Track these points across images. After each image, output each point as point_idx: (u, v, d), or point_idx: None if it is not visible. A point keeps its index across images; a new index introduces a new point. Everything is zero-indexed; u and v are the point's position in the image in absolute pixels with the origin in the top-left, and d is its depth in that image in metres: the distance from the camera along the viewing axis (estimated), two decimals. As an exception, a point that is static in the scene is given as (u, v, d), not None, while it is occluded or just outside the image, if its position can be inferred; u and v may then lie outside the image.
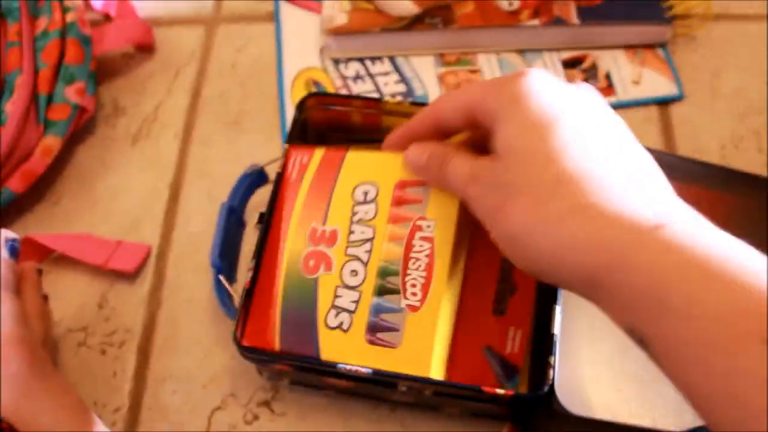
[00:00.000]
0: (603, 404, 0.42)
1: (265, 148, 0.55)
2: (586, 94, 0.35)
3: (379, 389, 0.42)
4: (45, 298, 0.47)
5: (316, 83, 0.56)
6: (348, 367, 0.39)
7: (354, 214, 0.42)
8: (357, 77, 0.56)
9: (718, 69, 0.57)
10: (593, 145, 0.33)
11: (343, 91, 0.55)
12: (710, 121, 0.55)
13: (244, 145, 0.55)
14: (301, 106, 0.47)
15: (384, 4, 0.56)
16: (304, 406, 0.46)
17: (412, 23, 0.56)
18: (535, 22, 0.55)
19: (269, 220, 0.44)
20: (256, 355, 0.41)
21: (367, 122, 0.48)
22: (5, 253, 0.44)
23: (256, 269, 0.42)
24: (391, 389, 0.41)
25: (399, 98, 0.55)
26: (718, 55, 0.58)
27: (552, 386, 0.38)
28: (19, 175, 0.52)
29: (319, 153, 0.44)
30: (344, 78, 0.56)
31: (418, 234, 0.41)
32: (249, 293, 0.42)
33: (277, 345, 0.41)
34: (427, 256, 0.41)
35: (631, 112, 0.55)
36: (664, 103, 0.56)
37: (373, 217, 0.42)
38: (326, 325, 0.41)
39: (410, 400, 0.44)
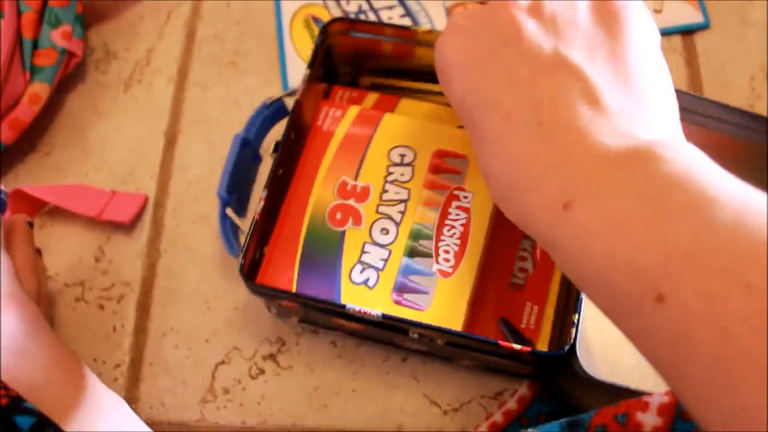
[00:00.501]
0: (627, 370, 0.40)
1: (265, 90, 0.52)
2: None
3: (389, 334, 0.40)
4: (38, 252, 0.45)
5: (316, 20, 0.53)
6: (357, 308, 0.37)
7: (389, 173, 0.42)
8: (359, 12, 0.52)
9: (746, -5, 0.53)
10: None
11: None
12: (739, 51, 0.52)
13: (242, 88, 0.52)
14: (325, 31, 0.44)
15: None
16: (312, 359, 0.44)
17: None
18: None
19: (290, 163, 0.42)
20: (266, 290, 0.39)
21: (398, 52, 0.46)
22: (-9, 205, 0.42)
23: (269, 202, 0.41)
24: (403, 335, 0.39)
25: (429, 26, 0.51)
26: (746, -21, 0.54)
27: (573, 346, 0.36)
28: (6, 124, 0.49)
29: (354, 110, 0.44)
30: (346, 14, 0.52)
31: (455, 203, 0.41)
32: (260, 226, 0.40)
33: (293, 288, 0.40)
34: (462, 225, 0.40)
35: (653, 42, 0.52)
36: (688, 32, 0.52)
37: (409, 180, 0.42)
38: (350, 279, 0.40)
39: (422, 348, 0.42)
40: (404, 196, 0.41)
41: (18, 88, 0.50)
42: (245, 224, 0.41)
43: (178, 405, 0.44)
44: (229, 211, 0.43)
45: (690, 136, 0.29)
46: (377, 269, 0.40)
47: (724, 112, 0.44)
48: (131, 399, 0.45)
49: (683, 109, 0.39)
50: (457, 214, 0.41)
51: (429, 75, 0.45)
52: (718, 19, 0.53)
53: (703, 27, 0.52)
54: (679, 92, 0.32)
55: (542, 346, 0.40)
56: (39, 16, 0.51)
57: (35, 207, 0.49)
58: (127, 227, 0.49)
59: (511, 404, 0.41)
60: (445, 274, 0.39)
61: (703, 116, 0.45)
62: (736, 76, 0.51)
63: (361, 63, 0.47)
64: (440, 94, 0.46)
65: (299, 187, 0.42)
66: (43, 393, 0.36)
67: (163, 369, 0.45)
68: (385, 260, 0.40)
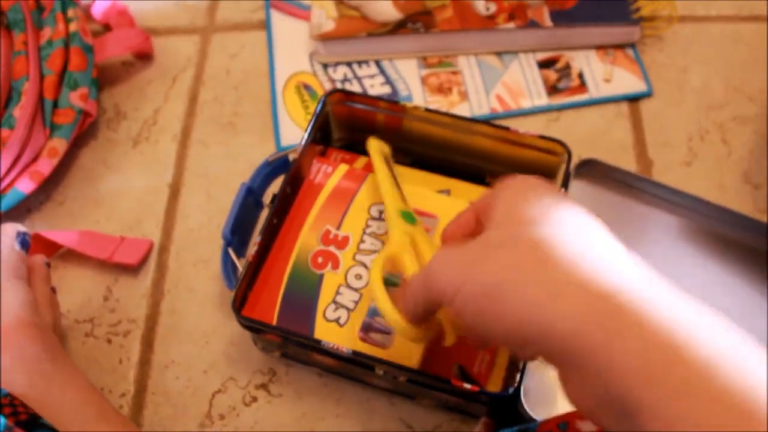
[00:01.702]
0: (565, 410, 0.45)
1: (259, 148, 0.58)
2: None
3: (359, 371, 0.46)
4: (53, 290, 0.50)
5: (306, 86, 0.60)
6: (331, 344, 0.42)
7: (368, 226, 0.48)
8: (345, 80, 0.59)
9: (684, 66, 0.61)
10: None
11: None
12: (678, 115, 0.59)
13: (239, 146, 0.58)
14: (324, 101, 0.51)
15: (369, 11, 0.60)
16: (300, 388, 0.49)
17: (396, 28, 0.59)
18: (511, 25, 0.59)
19: (284, 212, 0.48)
20: (251, 322, 0.45)
21: (389, 123, 0.52)
22: (17, 246, 0.47)
23: (262, 246, 0.46)
24: (370, 372, 0.44)
25: (417, 103, 0.58)
26: (684, 53, 0.62)
27: (518, 389, 0.41)
28: (27, 176, 0.55)
29: (343, 168, 0.51)
30: (333, 81, 0.59)
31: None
32: (252, 267, 0.46)
33: (274, 322, 0.45)
34: None
35: (603, 108, 0.59)
36: (634, 99, 0.59)
37: (384, 233, 0.48)
38: (324, 316, 0.45)
39: (388, 386, 0.47)
40: (378, 247, 0.47)
41: (39, 143, 0.56)
42: (242, 263, 0.47)
43: (178, 430, 0.49)
44: (231, 251, 0.49)
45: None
46: (348, 309, 0.45)
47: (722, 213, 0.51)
48: (136, 425, 0.49)
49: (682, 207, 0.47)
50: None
51: (415, 143, 0.52)
52: (660, 88, 0.60)
53: (647, 95, 0.59)
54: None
55: (493, 389, 0.44)
56: (59, 79, 0.57)
57: (51, 249, 0.54)
58: (134, 269, 0.54)
59: (478, 427, 0.47)
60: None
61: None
62: (675, 136, 0.58)
63: (355, 129, 0.54)
64: (422, 161, 0.53)
65: (289, 232, 0.48)
66: (60, 411, 0.41)
67: (164, 398, 0.50)
68: (356, 302, 0.46)
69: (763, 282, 0.49)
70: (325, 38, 0.59)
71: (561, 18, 0.59)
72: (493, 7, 0.59)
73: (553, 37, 0.59)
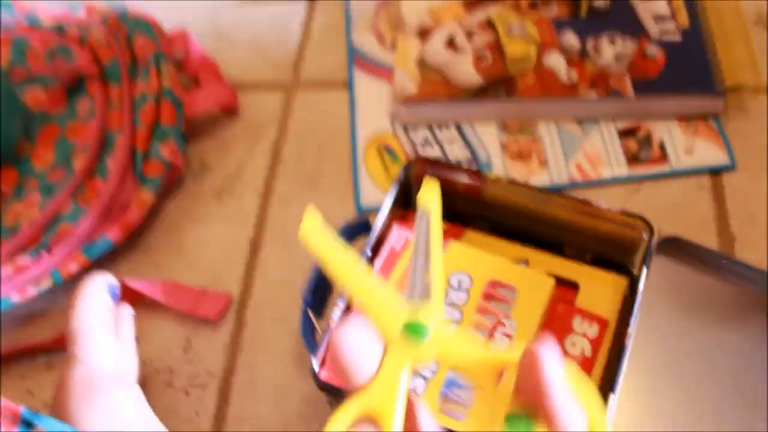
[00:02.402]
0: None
1: (339, 208, 0.59)
2: None
3: None
4: (136, 340, 0.52)
5: (387, 148, 0.61)
6: None
7: (447, 295, 0.48)
8: (425, 143, 0.60)
9: (770, 139, 0.60)
10: None
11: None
12: (762, 189, 0.58)
13: (319, 205, 0.59)
14: (407, 168, 0.52)
15: (451, 76, 0.61)
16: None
17: (478, 93, 0.60)
18: (593, 93, 0.59)
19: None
20: (330, 387, 0.45)
21: (469, 190, 0.53)
22: (107, 298, 0.49)
23: (346, 313, 0.47)
24: None
25: (498, 173, 0.59)
26: (766, 123, 0.60)
27: None
28: (117, 226, 0.57)
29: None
30: (413, 143, 0.60)
31: (500, 328, 0.47)
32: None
33: None
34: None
35: (684, 180, 0.58)
36: (716, 172, 0.59)
37: (464, 304, 0.48)
38: None
39: None
40: (457, 317, 0.47)
41: (129, 194, 0.58)
42: (321, 325, 0.48)
43: (250, 486, 0.50)
44: (310, 312, 0.50)
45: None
46: (426, 379, 0.46)
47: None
48: (209, 478, 0.50)
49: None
50: (501, 339, 0.46)
51: (495, 210, 0.53)
52: (743, 161, 0.59)
53: (730, 168, 0.58)
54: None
55: None
56: (150, 131, 0.60)
57: (135, 299, 0.56)
58: (213, 322, 0.55)
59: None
60: (483, 390, 0.45)
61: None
62: (758, 211, 0.57)
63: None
64: (500, 229, 0.53)
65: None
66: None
67: (238, 452, 0.51)
68: (435, 372, 0.46)
69: None
70: (407, 101, 0.60)
71: (643, 88, 0.59)
72: (575, 75, 0.59)
73: (634, 107, 0.59)
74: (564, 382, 0.28)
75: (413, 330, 0.30)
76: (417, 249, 0.33)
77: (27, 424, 0.39)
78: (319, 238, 0.32)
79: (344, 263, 0.32)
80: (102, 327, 0.47)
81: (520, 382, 0.28)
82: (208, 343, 0.55)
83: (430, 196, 0.35)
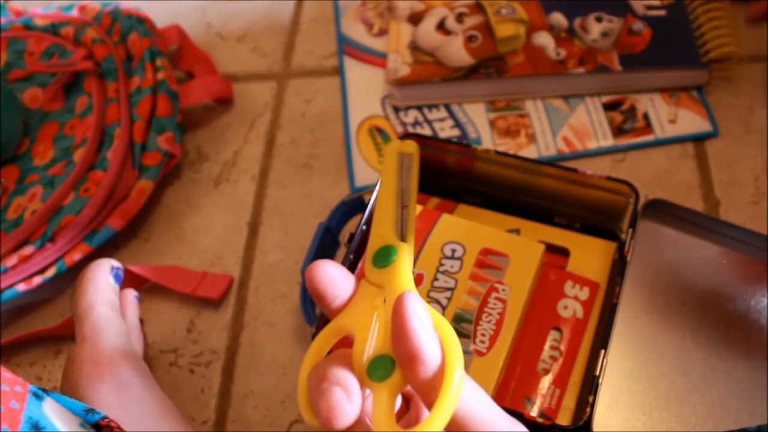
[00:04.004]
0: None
1: (334, 188, 0.61)
2: None
3: None
4: (141, 322, 0.53)
5: (379, 129, 0.62)
6: None
7: (440, 265, 0.50)
8: (416, 123, 0.62)
9: (750, 106, 0.61)
10: None
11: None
12: (744, 154, 0.59)
13: (314, 186, 0.61)
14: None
15: (443, 57, 0.63)
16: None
17: (469, 73, 0.62)
18: (581, 69, 0.61)
19: (360, 248, 0.51)
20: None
21: (460, 165, 0.55)
22: (112, 280, 0.50)
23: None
24: None
25: (487, 146, 0.60)
26: (750, 93, 0.62)
27: (589, 422, 0.42)
28: (118, 214, 0.58)
29: (417, 208, 0.51)
30: (404, 124, 0.62)
31: (494, 294, 0.48)
32: None
33: None
34: (498, 313, 0.48)
35: (669, 148, 0.60)
36: (699, 139, 0.60)
37: (457, 272, 0.49)
38: None
39: None
40: (451, 285, 0.49)
41: (128, 183, 0.59)
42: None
43: (257, 458, 0.51)
44: (309, 289, 0.51)
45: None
46: None
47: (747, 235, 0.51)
48: (217, 452, 0.51)
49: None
50: (495, 304, 0.48)
51: (485, 184, 0.54)
52: (726, 128, 0.60)
53: (713, 135, 0.60)
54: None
55: (563, 422, 0.45)
56: (147, 123, 0.61)
57: (139, 283, 0.57)
58: (215, 303, 0.57)
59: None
60: (480, 354, 0.46)
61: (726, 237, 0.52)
62: (742, 175, 0.58)
63: (427, 171, 0.56)
64: (492, 202, 0.54)
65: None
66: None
67: (244, 426, 0.52)
68: None
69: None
70: (400, 83, 0.62)
71: (631, 62, 0.60)
72: (563, 52, 0.61)
73: (622, 80, 0.61)
74: (422, 324, 0.29)
75: (381, 254, 0.34)
76: (399, 191, 0.37)
77: (36, 396, 0.40)
78: (390, 162, 0.37)
79: (385, 191, 0.36)
80: (108, 306, 0.48)
81: (391, 329, 0.30)
82: (211, 323, 0.56)
83: (411, 147, 0.38)
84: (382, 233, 0.35)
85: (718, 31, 0.60)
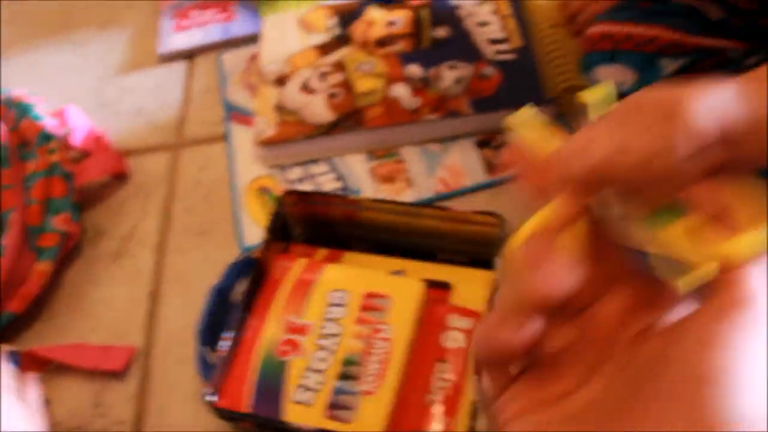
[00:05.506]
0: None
1: (230, 251, 0.63)
2: None
3: None
4: (46, 403, 0.54)
5: (265, 189, 0.65)
6: (297, 425, 0.46)
7: (327, 313, 0.53)
8: (300, 179, 0.65)
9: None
10: None
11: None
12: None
13: (212, 251, 0.63)
14: (280, 203, 0.56)
15: (306, 115, 0.66)
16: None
17: (329, 129, 0.65)
18: (434, 116, 0.64)
19: (251, 308, 0.53)
20: (225, 412, 0.49)
21: (345, 215, 0.57)
22: (8, 365, 0.51)
23: (234, 343, 0.51)
24: None
25: (366, 195, 0.63)
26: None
27: None
28: (17, 298, 0.60)
29: (302, 262, 0.55)
30: (289, 181, 0.65)
31: (378, 335, 0.51)
32: (225, 362, 0.50)
33: (248, 410, 0.49)
34: (384, 352, 0.51)
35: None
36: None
37: (343, 317, 0.52)
38: (292, 399, 0.49)
39: None
40: (338, 331, 0.51)
41: (26, 267, 0.61)
42: (214, 358, 0.51)
43: None
44: (205, 349, 0.53)
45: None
46: (314, 391, 0.49)
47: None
48: None
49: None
50: (380, 344, 0.50)
51: (370, 230, 0.57)
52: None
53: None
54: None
55: None
56: (42, 206, 0.63)
57: (42, 364, 0.58)
58: (121, 375, 0.58)
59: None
60: (368, 393, 0.49)
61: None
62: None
63: (314, 224, 0.58)
64: (380, 246, 0.57)
65: (256, 325, 0.52)
66: None
67: (155, 493, 0.53)
68: (321, 383, 0.50)
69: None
70: (266, 143, 0.65)
71: (481, 105, 0.64)
72: (418, 101, 0.65)
73: (477, 122, 0.65)
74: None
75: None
76: None
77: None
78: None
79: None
80: (7, 394, 0.49)
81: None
82: (118, 395, 0.57)
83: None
84: None
85: (558, 68, 0.65)
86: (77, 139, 0.71)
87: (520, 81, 0.65)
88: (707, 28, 0.56)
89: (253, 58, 0.73)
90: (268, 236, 0.54)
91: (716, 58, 0.54)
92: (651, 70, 0.55)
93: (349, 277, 0.54)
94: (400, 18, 0.70)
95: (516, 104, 0.62)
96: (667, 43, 0.55)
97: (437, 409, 0.50)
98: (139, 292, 0.62)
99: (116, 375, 0.58)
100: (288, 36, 0.71)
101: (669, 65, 0.55)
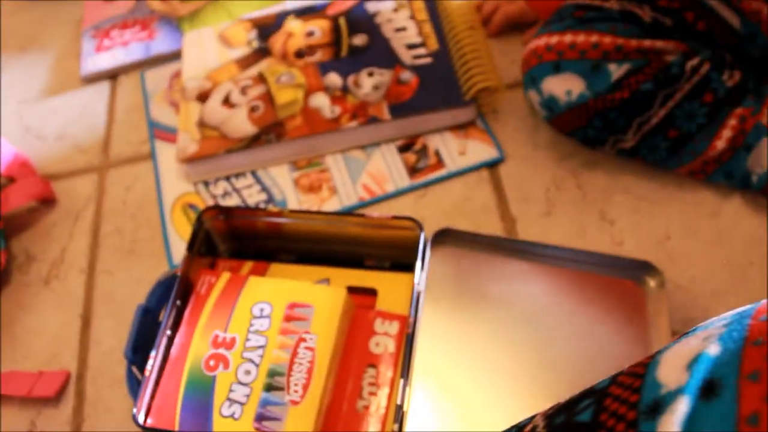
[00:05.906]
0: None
1: (159, 269, 0.63)
2: None
3: None
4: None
5: (191, 206, 0.65)
6: None
7: (251, 325, 0.53)
8: (225, 194, 0.65)
9: (535, 125, 0.67)
10: None
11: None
12: (533, 171, 0.65)
13: (141, 270, 0.64)
14: (200, 219, 0.56)
15: (227, 129, 0.67)
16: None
17: (251, 142, 0.66)
18: (354, 123, 0.65)
19: (176, 325, 0.53)
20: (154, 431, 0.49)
21: (270, 228, 0.58)
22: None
23: (158, 359, 0.52)
24: None
25: (289, 207, 0.64)
26: (534, 114, 0.68)
27: None
28: (-55, 332, 0.59)
29: (225, 276, 0.56)
30: (214, 196, 0.65)
31: (303, 344, 0.52)
32: (153, 381, 0.51)
33: (176, 427, 0.49)
34: (309, 362, 0.52)
35: (466, 177, 0.65)
36: (491, 165, 0.66)
37: (267, 329, 0.53)
38: (220, 413, 0.50)
39: None
40: (263, 343, 0.52)
41: (-47, 300, 0.60)
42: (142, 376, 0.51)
43: None
44: (134, 369, 0.53)
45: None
46: (241, 404, 0.50)
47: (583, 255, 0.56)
48: None
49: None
50: (305, 354, 0.51)
51: (296, 241, 0.58)
52: (514, 149, 0.66)
53: (501, 160, 0.66)
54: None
55: None
56: (-33, 238, 0.63)
57: (-25, 396, 0.58)
58: (55, 400, 0.58)
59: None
60: (295, 403, 0.50)
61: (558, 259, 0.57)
62: (534, 190, 0.64)
63: (239, 238, 0.59)
64: (306, 256, 0.58)
65: (182, 342, 0.53)
66: None
67: None
68: (248, 396, 0.50)
69: (641, 313, 0.54)
70: (189, 160, 0.66)
71: (399, 110, 0.66)
72: (338, 110, 0.66)
73: (398, 127, 0.66)
74: None
75: None
76: None
77: None
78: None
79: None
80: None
81: None
82: (53, 420, 0.57)
83: None
84: None
85: (472, 71, 0.66)
86: (1, 166, 0.70)
87: (437, 85, 0.67)
88: (644, 31, 0.58)
89: (176, 75, 0.73)
90: (187, 253, 0.55)
91: (660, 62, 0.56)
92: (598, 76, 0.57)
93: (272, 288, 0.55)
94: (318, 28, 0.71)
95: (432, 107, 0.65)
96: (609, 48, 0.57)
97: (369, 415, 0.51)
98: (70, 315, 0.62)
99: (51, 401, 0.58)
100: (208, 51, 0.71)
101: (616, 70, 0.57)
